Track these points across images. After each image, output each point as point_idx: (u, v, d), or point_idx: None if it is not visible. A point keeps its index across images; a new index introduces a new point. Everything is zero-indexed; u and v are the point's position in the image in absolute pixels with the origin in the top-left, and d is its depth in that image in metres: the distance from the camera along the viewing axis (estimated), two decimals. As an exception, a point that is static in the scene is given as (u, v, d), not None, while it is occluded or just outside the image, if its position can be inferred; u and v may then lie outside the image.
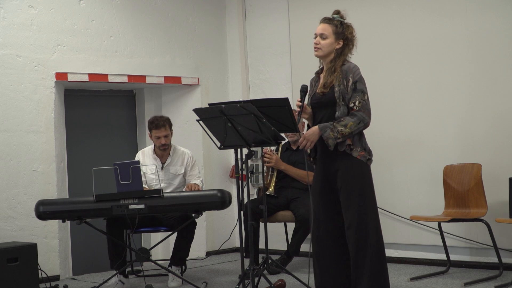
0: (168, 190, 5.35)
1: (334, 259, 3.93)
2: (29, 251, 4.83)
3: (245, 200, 4.87)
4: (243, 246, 4.83)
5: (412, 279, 5.03)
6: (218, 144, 4.44)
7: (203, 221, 6.56)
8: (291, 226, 5.73)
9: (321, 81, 3.96)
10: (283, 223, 5.93)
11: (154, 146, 5.50)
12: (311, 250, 4.01)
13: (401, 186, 5.73)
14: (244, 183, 4.88)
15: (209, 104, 4.45)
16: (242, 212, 4.59)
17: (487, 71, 5.26)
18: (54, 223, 5.63)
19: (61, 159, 5.88)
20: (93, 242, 6.23)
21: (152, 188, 5.25)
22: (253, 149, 4.51)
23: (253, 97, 6.72)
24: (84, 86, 6.30)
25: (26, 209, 5.51)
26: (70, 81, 5.91)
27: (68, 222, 5.74)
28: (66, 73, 5.85)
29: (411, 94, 5.67)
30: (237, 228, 5.25)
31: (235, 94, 6.93)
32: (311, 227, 4.01)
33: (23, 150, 5.59)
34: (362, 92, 3.79)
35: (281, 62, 6.58)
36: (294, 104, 4.05)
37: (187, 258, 5.38)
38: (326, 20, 3.91)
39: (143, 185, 4.86)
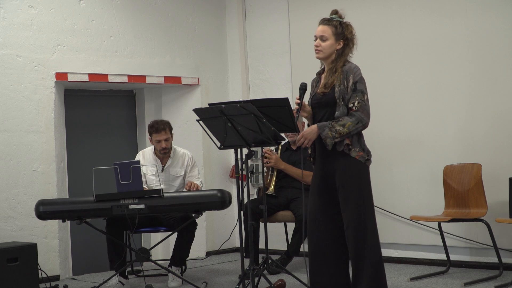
0: (168, 192, 5.34)
1: (333, 259, 3.93)
2: (29, 251, 4.83)
3: (245, 200, 4.87)
4: (243, 246, 4.83)
5: (412, 279, 5.03)
6: (218, 144, 4.44)
7: (203, 221, 6.56)
8: (291, 226, 5.73)
9: (322, 81, 3.97)
10: (283, 223, 5.93)
11: (155, 148, 5.49)
12: (306, 250, 4.01)
13: (401, 186, 5.73)
14: (244, 183, 4.88)
15: (209, 104, 4.45)
16: (242, 212, 4.59)
17: (487, 71, 5.26)
18: (54, 223, 5.63)
19: (61, 159, 5.88)
20: (93, 242, 6.23)
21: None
22: (253, 149, 4.51)
23: (253, 97, 6.72)
24: (84, 86, 6.30)
25: (26, 209, 5.51)
26: (70, 81, 5.91)
27: (68, 222, 5.74)
28: (66, 73, 5.85)
29: (411, 94, 5.67)
30: (237, 228, 5.25)
31: (235, 94, 6.93)
32: (307, 227, 4.00)
33: (23, 150, 5.59)
34: (362, 93, 3.79)
35: (281, 62, 6.58)
36: (294, 103, 4.04)
37: (187, 258, 5.38)
38: (325, 22, 3.91)
39: (143, 186, 4.86)
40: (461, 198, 5.18)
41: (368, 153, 3.87)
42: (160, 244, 6.14)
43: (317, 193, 3.96)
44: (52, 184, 5.71)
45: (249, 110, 4.06)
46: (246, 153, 4.36)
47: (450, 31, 5.43)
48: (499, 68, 5.20)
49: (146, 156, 5.52)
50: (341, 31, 3.88)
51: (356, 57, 4.01)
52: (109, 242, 5.10)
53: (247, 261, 4.58)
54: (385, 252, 5.82)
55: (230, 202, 4.79)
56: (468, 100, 5.36)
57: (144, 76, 6.35)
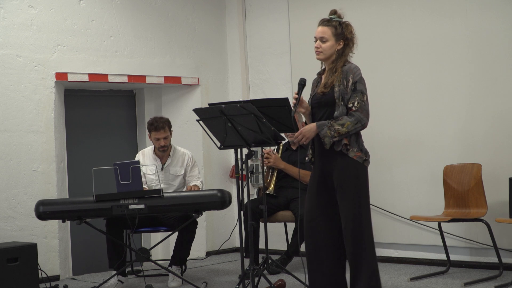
0: (168, 191, 5.35)
1: (331, 258, 3.93)
2: (29, 251, 4.83)
3: (245, 200, 4.87)
4: (243, 246, 4.83)
5: (412, 279, 5.03)
6: (218, 144, 4.44)
7: (203, 221, 6.55)
8: (291, 226, 5.73)
9: (322, 81, 3.97)
10: (283, 223, 5.93)
11: (154, 147, 5.50)
12: (302, 248, 4.01)
13: (401, 186, 5.73)
14: (244, 183, 4.88)
15: (209, 104, 4.46)
16: (242, 212, 4.59)
17: (487, 71, 5.26)
18: (54, 223, 5.63)
19: (61, 159, 5.88)
20: (93, 242, 6.23)
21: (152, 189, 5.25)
22: (253, 149, 4.51)
23: (253, 97, 6.72)
24: (84, 86, 6.30)
25: (26, 209, 5.51)
26: (70, 81, 5.91)
27: (68, 222, 5.74)
28: (66, 73, 5.85)
29: (411, 94, 5.67)
30: (237, 228, 5.25)
31: (235, 94, 6.93)
32: (305, 226, 4.00)
33: (23, 150, 5.59)
34: (361, 93, 3.79)
35: (281, 62, 6.58)
36: (303, 115, 4.04)
37: (187, 258, 5.37)
38: (324, 23, 3.90)
39: (143, 186, 4.86)
40: (461, 198, 5.18)
41: (366, 153, 3.87)
42: (160, 244, 6.14)
43: (316, 192, 3.96)
44: (52, 184, 5.71)
45: (249, 110, 4.06)
46: (246, 153, 4.36)
47: (450, 31, 5.43)
48: (499, 68, 5.20)
49: (145, 155, 5.52)
50: (341, 32, 3.88)
51: (356, 57, 4.01)
52: (109, 242, 5.10)
53: (247, 261, 4.58)
54: (385, 252, 5.85)
55: (230, 202, 4.79)
56: (468, 100, 5.36)
57: (144, 76, 6.35)
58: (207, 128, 4.38)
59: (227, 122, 4.18)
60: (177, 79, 6.57)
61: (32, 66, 5.67)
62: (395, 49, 5.75)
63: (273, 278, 4.99)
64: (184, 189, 5.51)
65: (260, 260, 5.28)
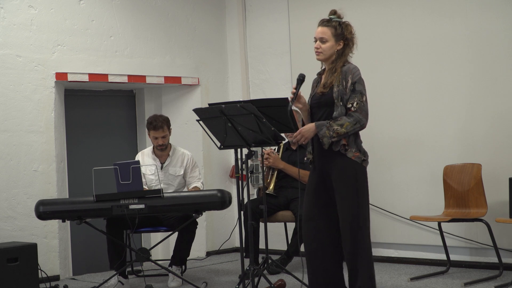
0: (167, 191, 5.34)
1: (330, 258, 3.93)
2: (29, 251, 4.83)
3: (245, 200, 4.87)
4: (243, 246, 4.83)
5: (412, 279, 5.03)
6: (218, 144, 4.44)
7: (203, 221, 6.55)
8: (291, 226, 5.73)
9: (322, 81, 3.97)
10: (283, 223, 5.93)
11: (154, 146, 5.50)
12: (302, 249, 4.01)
13: (401, 186, 5.73)
14: (244, 183, 4.88)
15: (209, 104, 4.45)
16: (242, 212, 4.59)
17: (487, 71, 5.26)
18: (54, 223, 5.63)
19: (61, 159, 5.88)
20: (93, 242, 6.23)
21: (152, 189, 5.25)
22: (253, 149, 4.51)
23: (253, 97, 6.72)
24: (84, 86, 6.30)
25: (26, 209, 5.51)
26: (70, 81, 5.91)
27: (68, 222, 5.74)
28: (66, 73, 5.85)
29: (411, 94, 5.67)
30: (237, 228, 5.24)
31: (235, 94, 6.93)
32: (304, 226, 4.00)
33: (23, 150, 5.59)
34: (360, 94, 3.79)
35: (281, 62, 6.58)
36: (300, 111, 4.04)
37: (187, 258, 5.37)
38: (324, 23, 3.90)
39: (143, 186, 4.86)
40: (461, 198, 5.18)
41: (364, 153, 3.87)
42: (160, 244, 6.14)
43: (314, 192, 3.96)
44: (52, 184, 5.71)
45: (249, 110, 4.06)
46: (246, 153, 4.36)
47: (450, 31, 5.43)
48: (499, 68, 5.20)
49: (145, 156, 5.52)
50: (341, 32, 3.88)
51: (356, 57, 4.01)
52: (109, 242, 5.10)
53: (247, 261, 4.58)
54: (385, 252, 5.85)
55: (230, 202, 4.79)
56: (468, 100, 5.36)
57: (144, 76, 6.35)
58: (207, 128, 4.38)
59: (227, 122, 4.18)
60: (177, 79, 6.57)
61: (32, 66, 5.67)
62: (395, 49, 5.75)
63: (273, 278, 4.99)
64: (185, 190, 5.51)
65: (260, 260, 5.28)
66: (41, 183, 5.65)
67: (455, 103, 5.43)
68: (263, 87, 6.75)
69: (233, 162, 6.44)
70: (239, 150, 4.51)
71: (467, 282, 4.74)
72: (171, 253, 5.36)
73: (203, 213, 4.93)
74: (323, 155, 3.88)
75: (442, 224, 5.20)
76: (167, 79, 6.49)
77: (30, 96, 5.64)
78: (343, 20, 3.91)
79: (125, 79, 6.24)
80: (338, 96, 3.80)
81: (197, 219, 5.11)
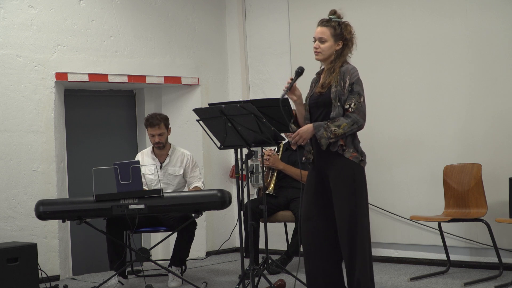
0: (167, 191, 5.34)
1: (329, 259, 3.93)
2: (29, 251, 4.83)
3: (245, 200, 4.87)
4: (243, 246, 4.83)
5: (412, 279, 5.03)
6: (218, 144, 4.44)
7: (203, 221, 6.56)
8: (291, 226, 5.73)
9: (320, 81, 3.96)
10: (283, 223, 5.93)
11: (153, 146, 5.50)
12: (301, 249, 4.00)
13: (401, 186, 5.73)
14: (244, 183, 4.88)
15: (209, 104, 4.46)
16: (242, 212, 4.59)
17: (487, 71, 5.26)
18: (54, 223, 5.63)
19: (61, 159, 5.88)
20: (93, 242, 6.23)
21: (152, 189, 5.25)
22: (253, 149, 4.51)
23: (253, 97, 6.72)
24: (84, 86, 6.30)
25: (26, 209, 5.51)
26: (70, 81, 5.91)
27: (68, 222, 5.74)
28: (66, 73, 5.85)
29: (411, 94, 5.67)
30: (237, 228, 5.25)
31: (235, 94, 6.93)
32: (302, 226, 4.00)
33: (23, 150, 5.59)
34: (358, 94, 3.78)
35: (281, 62, 6.58)
36: (294, 104, 4.03)
37: (187, 258, 5.38)
38: (323, 23, 3.90)
39: (143, 187, 4.85)
40: (461, 198, 5.18)
41: (362, 154, 3.86)
42: (160, 244, 6.14)
43: (313, 193, 3.96)
44: (52, 184, 5.71)
45: (249, 110, 4.06)
46: (246, 153, 4.36)
47: (450, 31, 5.43)
48: (499, 68, 5.20)
49: (145, 156, 5.53)
50: (340, 32, 3.87)
51: (356, 57, 4.01)
52: (109, 242, 5.11)
53: (247, 261, 4.58)
54: (385, 252, 5.85)
55: (230, 202, 4.79)
56: (468, 100, 5.36)
57: (144, 76, 6.35)
58: (207, 128, 4.38)
59: (227, 122, 4.18)
60: (177, 79, 6.57)
61: (32, 66, 5.67)
62: (395, 49, 5.75)
63: (273, 278, 4.99)
64: (185, 190, 5.51)
65: (260, 260, 5.27)
66: (41, 183, 5.65)
67: (455, 103, 5.43)
68: (263, 87, 6.75)
69: (233, 162, 6.44)
70: (239, 150, 4.51)
71: (467, 282, 4.74)
72: (171, 253, 5.36)
73: (203, 213, 4.93)
74: (320, 156, 3.88)
75: (442, 224, 5.20)
76: (167, 79, 6.49)
77: (30, 96, 5.64)
78: (343, 20, 3.91)
79: (125, 79, 6.24)
80: (336, 96, 3.80)
81: (197, 219, 5.11)
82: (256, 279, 4.41)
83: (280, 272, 5.31)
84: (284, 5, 6.54)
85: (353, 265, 3.80)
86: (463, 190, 5.17)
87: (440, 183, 5.32)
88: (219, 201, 4.74)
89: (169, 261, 5.34)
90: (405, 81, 5.71)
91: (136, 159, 5.52)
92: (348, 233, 3.79)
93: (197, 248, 6.42)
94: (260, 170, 5.71)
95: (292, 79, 3.88)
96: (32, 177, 5.61)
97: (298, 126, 3.97)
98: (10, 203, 5.50)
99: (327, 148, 3.80)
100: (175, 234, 5.22)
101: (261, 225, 5.14)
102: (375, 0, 5.86)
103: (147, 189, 5.18)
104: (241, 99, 6.08)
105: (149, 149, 5.56)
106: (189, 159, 5.53)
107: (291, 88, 3.87)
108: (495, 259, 5.01)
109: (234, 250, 6.80)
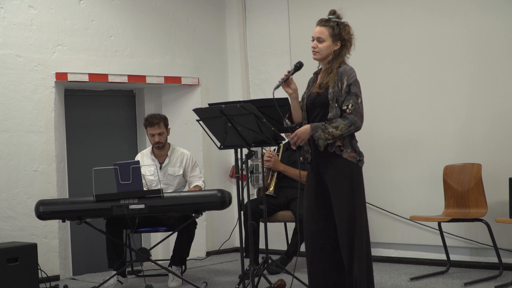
0: (167, 191, 5.34)
1: (330, 260, 3.93)
2: (29, 251, 4.83)
3: (245, 200, 4.87)
4: (243, 246, 4.83)
5: (412, 279, 5.03)
6: (218, 144, 4.44)
7: (203, 221, 6.56)
8: (291, 226, 5.73)
9: (318, 81, 3.96)
10: (283, 223, 5.93)
11: (152, 147, 5.50)
12: (302, 250, 4.00)
13: (401, 186, 5.73)
14: (244, 183, 4.88)
15: (209, 104, 4.46)
16: (242, 212, 4.59)
17: (487, 71, 5.26)
18: (54, 223, 5.63)
19: (61, 159, 5.88)
20: (93, 242, 6.23)
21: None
22: (253, 149, 4.51)
23: (253, 97, 6.72)
24: (84, 86, 6.30)
25: (26, 209, 5.51)
26: (70, 81, 5.91)
27: (68, 222, 5.74)
28: (66, 73, 5.85)
29: (411, 94, 5.67)
30: (237, 228, 5.25)
31: (235, 94, 6.93)
32: (304, 227, 3.99)
33: (23, 150, 5.59)
34: (355, 96, 3.78)
35: (281, 62, 6.58)
36: (289, 98, 4.00)
37: (187, 258, 5.38)
38: (322, 23, 3.89)
39: (144, 187, 4.86)
40: (461, 198, 5.18)
41: (360, 154, 3.86)
42: (160, 244, 6.14)
43: (313, 194, 3.96)
44: (52, 184, 5.71)
45: (249, 110, 4.06)
46: (246, 153, 4.36)
47: (450, 31, 5.43)
48: (499, 68, 5.20)
49: (144, 157, 5.53)
50: (338, 32, 3.86)
51: (356, 57, 4.01)
52: (108, 242, 5.11)
53: (247, 261, 4.58)
54: (385, 252, 5.85)
55: (230, 202, 4.79)
56: (468, 100, 5.36)
57: (144, 76, 6.35)
58: (207, 128, 4.38)
59: (227, 122, 4.18)
60: (177, 79, 6.57)
61: (32, 66, 5.67)
62: (395, 49, 5.75)
63: (273, 278, 4.99)
64: (185, 189, 5.51)
65: (260, 260, 5.28)
66: (41, 183, 5.65)
67: (455, 103, 5.43)
68: (263, 87, 6.75)
69: (233, 162, 6.44)
70: (239, 150, 4.51)
71: (467, 282, 4.74)
72: (171, 253, 5.36)
73: (203, 213, 4.93)
74: (318, 156, 3.88)
75: (442, 224, 5.20)
76: (167, 79, 6.49)
77: (30, 96, 5.64)
78: (342, 20, 3.91)
79: (125, 79, 6.24)
80: (333, 97, 3.79)
81: (197, 219, 5.11)
82: (256, 279, 4.41)
83: (280, 272, 5.31)
84: (284, 5, 6.54)
85: (352, 264, 3.80)
86: (463, 190, 5.17)
87: (440, 183, 5.32)
88: (219, 201, 4.74)
89: (169, 261, 5.35)
90: (405, 81, 5.71)
91: (135, 160, 5.52)
92: (347, 233, 3.79)
93: (197, 248, 6.43)
94: (260, 170, 5.71)
95: (289, 72, 3.86)
96: (32, 177, 5.61)
97: (292, 122, 3.97)
98: (10, 203, 5.50)
99: (325, 148, 3.79)
100: (175, 234, 5.22)
101: (261, 225, 5.14)
102: (375, 0, 5.86)
103: (147, 189, 5.18)
104: (241, 99, 6.08)
105: (148, 149, 5.56)
106: (188, 159, 5.53)
107: (286, 80, 3.85)
108: (495, 259, 5.01)
109: (234, 250, 6.80)
